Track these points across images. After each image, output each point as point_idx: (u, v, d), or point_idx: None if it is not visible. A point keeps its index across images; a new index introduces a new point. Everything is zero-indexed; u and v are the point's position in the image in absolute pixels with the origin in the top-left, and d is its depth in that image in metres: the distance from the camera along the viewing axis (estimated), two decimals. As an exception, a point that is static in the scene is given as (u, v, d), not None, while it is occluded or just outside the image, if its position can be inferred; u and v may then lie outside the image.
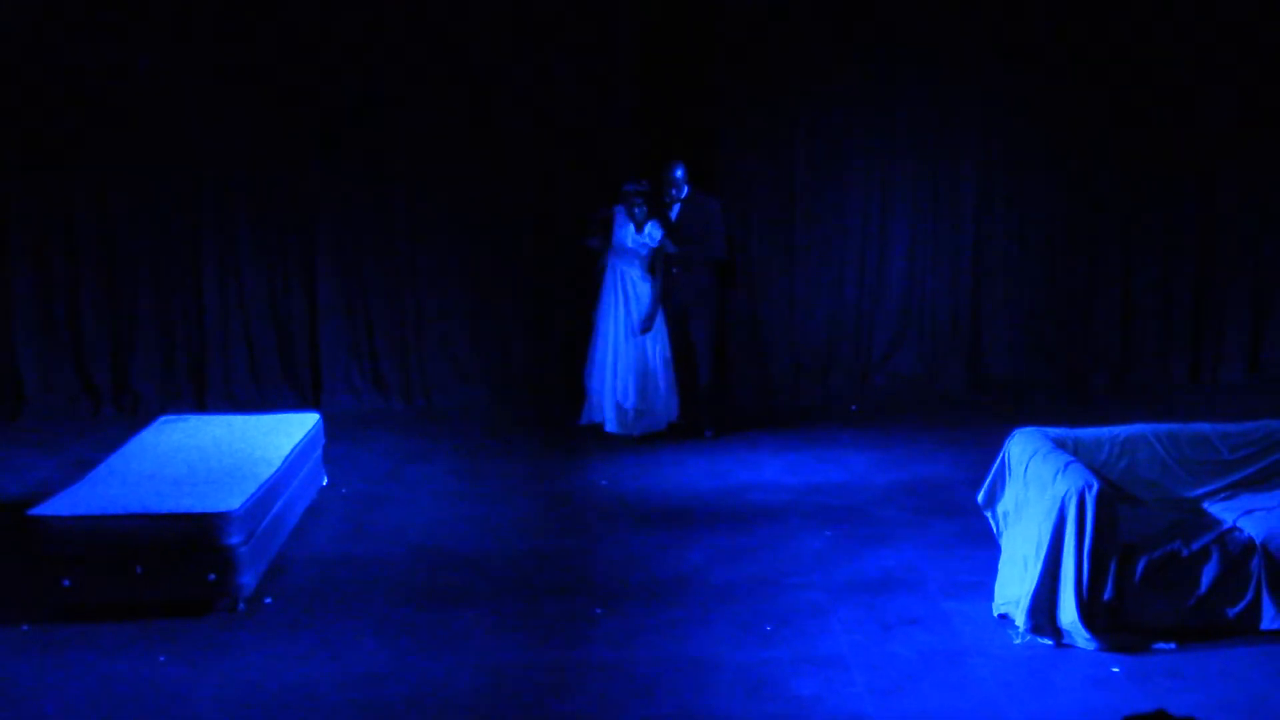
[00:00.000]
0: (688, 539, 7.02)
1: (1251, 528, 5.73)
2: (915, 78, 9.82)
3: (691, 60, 9.62)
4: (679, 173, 8.83)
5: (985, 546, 6.60)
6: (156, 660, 5.64)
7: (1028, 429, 6.31)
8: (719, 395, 9.20)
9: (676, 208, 8.87)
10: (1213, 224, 10.07)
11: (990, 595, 6.04)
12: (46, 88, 9.44)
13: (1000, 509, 6.24)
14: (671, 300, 8.92)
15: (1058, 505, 5.56)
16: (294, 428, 7.40)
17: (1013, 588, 5.86)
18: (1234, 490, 6.30)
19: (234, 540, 6.04)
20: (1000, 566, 6.08)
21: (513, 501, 7.73)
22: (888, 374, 10.06)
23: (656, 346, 8.90)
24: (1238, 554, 5.63)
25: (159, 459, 6.81)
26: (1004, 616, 5.88)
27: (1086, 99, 9.83)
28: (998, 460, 6.27)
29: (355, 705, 5.24)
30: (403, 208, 9.81)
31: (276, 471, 6.67)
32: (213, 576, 6.02)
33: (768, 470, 8.25)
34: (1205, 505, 6.18)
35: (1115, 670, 5.40)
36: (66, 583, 5.98)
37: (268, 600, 6.25)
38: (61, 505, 6.10)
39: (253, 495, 6.26)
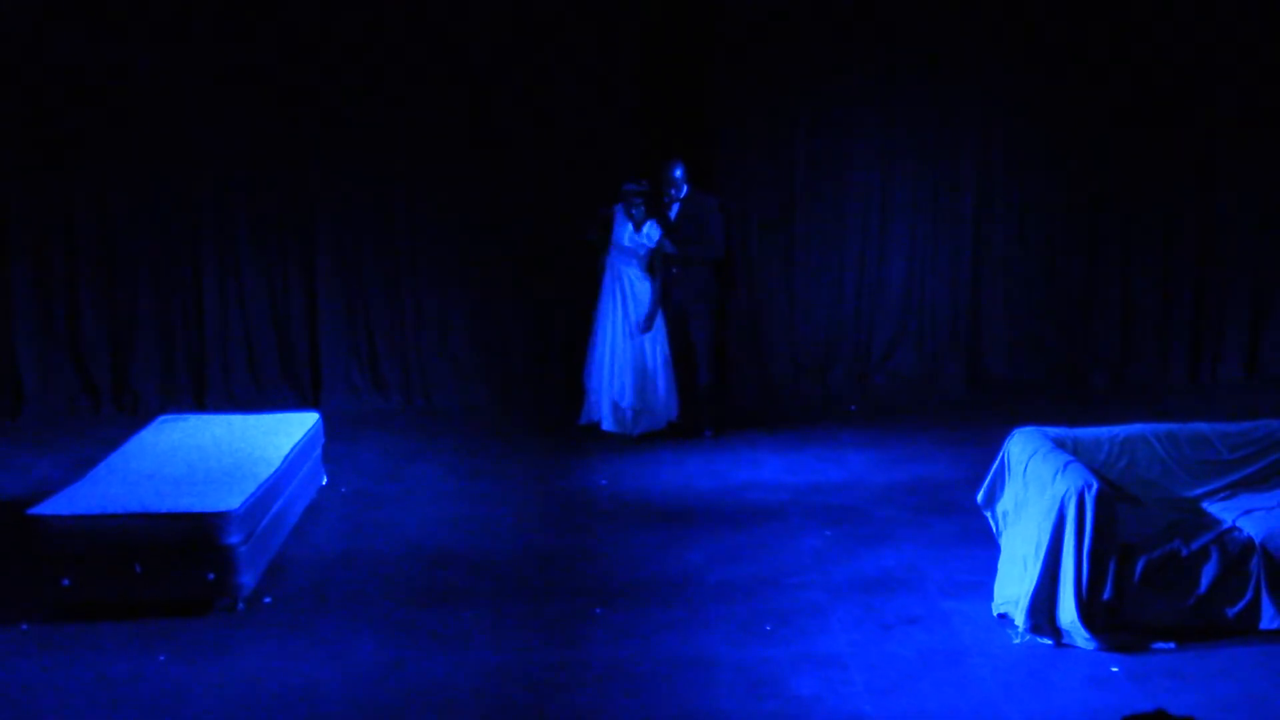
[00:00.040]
0: (687, 538, 7.02)
1: (1251, 527, 5.74)
2: (915, 78, 9.82)
3: (691, 60, 9.63)
4: (678, 172, 8.84)
5: (984, 546, 6.60)
6: (156, 659, 5.64)
7: (1027, 429, 6.32)
8: (718, 395, 9.20)
9: (675, 207, 8.87)
10: (1213, 224, 10.08)
11: (989, 595, 6.05)
12: (46, 88, 9.45)
13: (1000, 508, 6.24)
14: (671, 300, 8.92)
15: (1057, 505, 5.56)
16: (293, 427, 7.40)
17: (1012, 587, 5.86)
18: (1233, 490, 6.31)
19: (233, 540, 6.05)
20: (1000, 566, 6.08)
21: (512, 501, 7.73)
22: (887, 374, 10.07)
23: (655, 346, 8.91)
24: (1237, 554, 5.63)
25: (158, 458, 6.81)
26: (1003, 616, 5.88)
27: (1086, 99, 9.83)
28: (997, 460, 6.27)
29: (354, 705, 5.24)
30: (403, 208, 9.81)
31: (276, 471, 6.68)
32: (212, 576, 6.02)
33: (767, 470, 8.25)
34: (1204, 505, 6.18)
35: (1114, 670, 5.40)
36: (66, 582, 5.98)
37: (267, 600, 6.25)
38: (61, 504, 6.11)
39: (252, 495, 6.27)
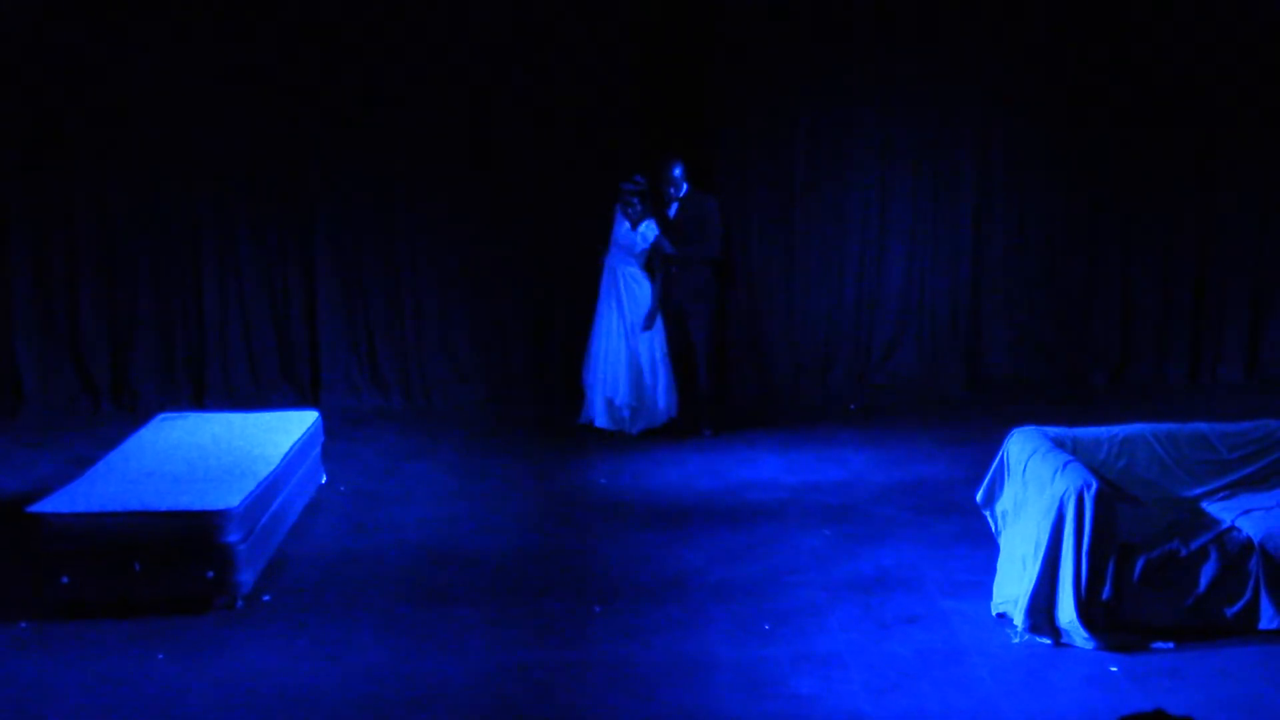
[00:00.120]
0: (686, 538, 7.02)
1: (1250, 527, 5.73)
2: (915, 78, 9.82)
3: (691, 60, 9.62)
4: (677, 171, 8.84)
5: (984, 545, 6.60)
6: (155, 657, 5.64)
7: (1026, 428, 6.31)
8: (718, 394, 9.20)
9: (674, 206, 8.88)
10: (1212, 224, 10.07)
11: (988, 594, 6.04)
12: (46, 88, 9.45)
13: (999, 508, 6.24)
14: (670, 299, 8.93)
15: (1056, 504, 5.56)
16: (293, 425, 7.41)
17: (1011, 587, 5.86)
18: (1232, 490, 6.30)
19: (233, 538, 6.05)
20: (999, 565, 6.08)
21: (512, 500, 7.73)
22: (887, 373, 10.06)
23: (651, 344, 8.90)
24: (1236, 554, 5.63)
25: (158, 456, 6.81)
26: (1002, 615, 5.88)
27: (1086, 99, 9.83)
28: (996, 459, 6.27)
29: (353, 703, 5.24)
30: (403, 208, 9.81)
31: (275, 469, 6.68)
32: (211, 574, 6.02)
33: (767, 469, 8.25)
34: (1204, 505, 6.18)
35: (1113, 669, 5.40)
36: (65, 580, 5.98)
37: (266, 598, 6.25)
38: (60, 502, 6.11)
39: (252, 493, 6.27)
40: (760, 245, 9.95)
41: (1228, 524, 5.78)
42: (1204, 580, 5.61)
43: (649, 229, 8.82)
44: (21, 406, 9.65)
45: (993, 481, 6.27)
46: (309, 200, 9.74)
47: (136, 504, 6.05)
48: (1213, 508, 6.10)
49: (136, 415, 9.19)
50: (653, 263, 8.94)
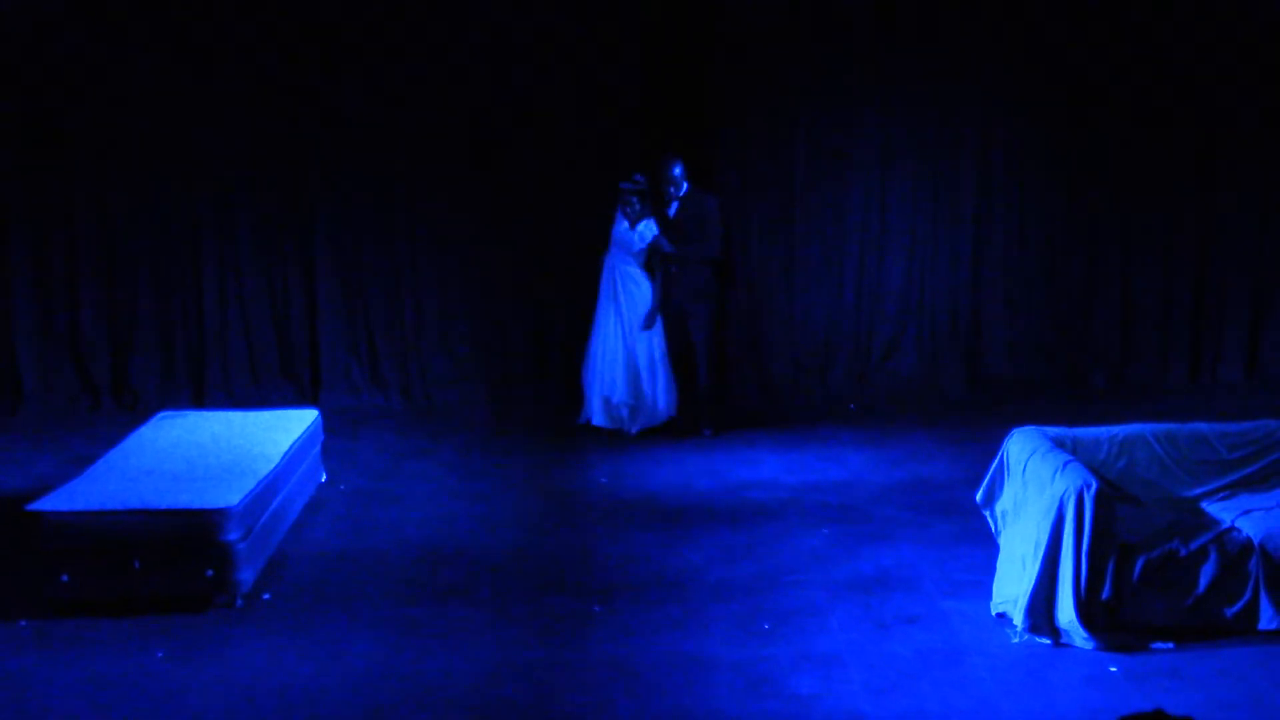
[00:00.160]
0: (686, 537, 7.02)
1: (1250, 528, 5.73)
2: (915, 78, 9.83)
3: (691, 60, 9.63)
4: (677, 170, 8.84)
5: (983, 545, 6.60)
6: (154, 656, 5.64)
7: (1026, 428, 6.31)
8: (718, 394, 9.20)
9: (674, 205, 8.88)
10: (1212, 224, 10.08)
11: (988, 594, 6.04)
12: (46, 88, 9.45)
13: (999, 508, 6.24)
14: (670, 299, 8.93)
15: (1056, 504, 5.56)
16: (293, 424, 7.41)
17: (1011, 587, 5.86)
18: (1232, 490, 6.30)
19: (232, 536, 6.05)
20: (998, 565, 6.07)
21: (512, 499, 7.73)
22: (887, 373, 10.07)
23: (648, 343, 8.90)
24: (1236, 554, 5.63)
25: (158, 455, 6.81)
26: (1002, 615, 5.88)
27: (1086, 99, 9.84)
28: (996, 459, 6.27)
29: (353, 702, 5.24)
30: (403, 208, 9.82)
31: (275, 468, 6.68)
32: (211, 572, 6.02)
33: (766, 469, 8.25)
34: (1203, 505, 6.18)
35: (1113, 670, 5.39)
36: (65, 578, 5.98)
37: (266, 596, 6.25)
38: (60, 500, 6.11)
39: (251, 491, 6.27)
40: (760, 245, 9.96)
41: (1227, 524, 5.78)
42: (1204, 580, 5.61)
43: (647, 228, 8.83)
44: (21, 405, 9.66)
45: (992, 481, 6.27)
46: (309, 200, 9.75)
47: (136, 502, 6.05)
48: (1212, 508, 6.10)
49: (136, 413, 9.20)
50: (652, 262, 8.94)
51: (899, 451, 8.54)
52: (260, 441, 7.02)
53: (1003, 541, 6.16)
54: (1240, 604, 5.62)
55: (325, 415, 8.14)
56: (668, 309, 8.94)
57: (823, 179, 9.93)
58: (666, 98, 9.59)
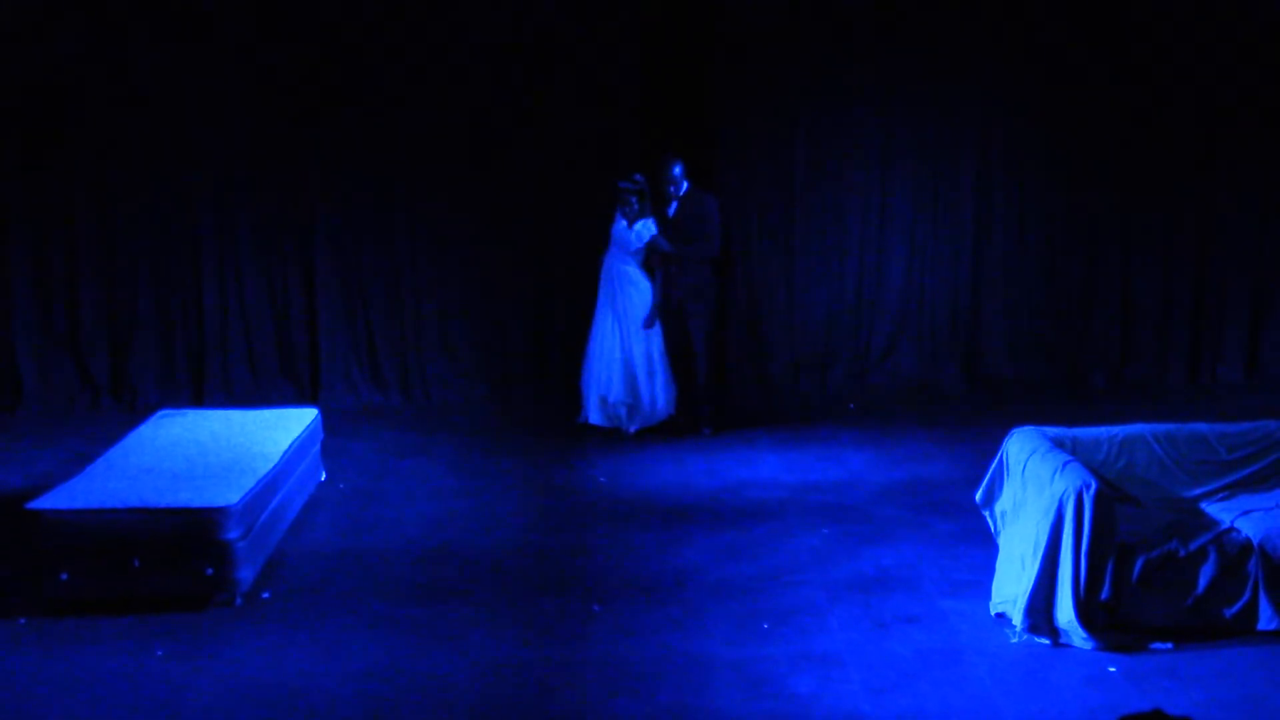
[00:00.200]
0: (685, 536, 7.02)
1: (1249, 528, 5.73)
2: (915, 78, 9.83)
3: (691, 60, 9.62)
4: (677, 170, 8.84)
5: (983, 545, 6.59)
6: (154, 654, 5.64)
7: (1026, 428, 6.31)
8: (717, 393, 9.20)
9: (674, 204, 8.88)
10: (1212, 224, 10.08)
11: (987, 594, 6.04)
12: (46, 88, 9.44)
13: (998, 508, 6.24)
14: (670, 298, 8.93)
15: (1055, 504, 5.56)
16: (292, 423, 7.41)
17: (1010, 586, 5.86)
18: (1232, 491, 6.30)
19: (232, 535, 6.05)
20: (998, 565, 6.08)
21: (511, 498, 7.73)
22: (886, 373, 10.07)
23: (644, 342, 8.89)
24: (1235, 555, 5.63)
25: (157, 453, 6.82)
26: (1001, 615, 5.88)
27: (1086, 99, 9.84)
28: (996, 459, 6.27)
29: (352, 700, 5.24)
30: (403, 208, 9.82)
31: (275, 466, 6.68)
32: (210, 571, 6.02)
33: (766, 468, 8.25)
34: (1203, 505, 6.18)
35: (1112, 670, 5.39)
36: (64, 576, 5.98)
37: (265, 595, 6.25)
38: (59, 499, 6.11)
39: (251, 490, 6.27)
40: (760, 245, 9.96)
41: (1227, 525, 5.78)
42: (1203, 581, 5.61)
43: (644, 227, 8.82)
44: (21, 403, 9.65)
45: (992, 481, 6.27)
46: (309, 200, 9.74)
47: (136, 500, 6.05)
48: (1212, 508, 6.10)
49: (136, 412, 9.21)
50: (650, 261, 8.94)
51: (899, 451, 8.54)
52: (260, 440, 7.02)
53: (1002, 541, 6.16)
54: (1239, 604, 5.63)
55: (325, 414, 8.14)
56: (667, 308, 8.94)
57: (823, 179, 9.93)
58: (666, 98, 9.59)
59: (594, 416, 9.00)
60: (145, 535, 5.98)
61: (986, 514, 6.34)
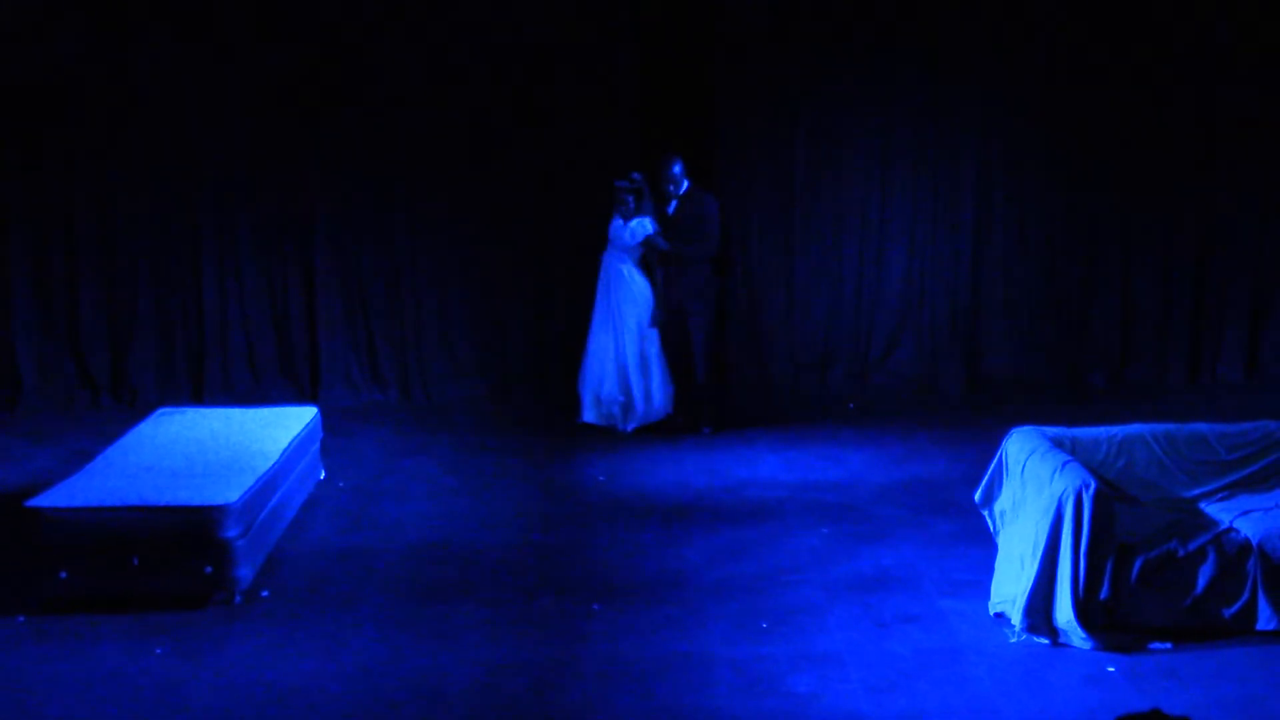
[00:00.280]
0: (685, 535, 7.02)
1: (1248, 529, 5.73)
2: (915, 78, 9.83)
3: (691, 60, 9.62)
4: (677, 169, 8.84)
5: (982, 545, 6.59)
6: (153, 652, 5.64)
7: (1025, 428, 6.31)
8: (717, 392, 9.19)
9: (674, 203, 8.88)
10: (1212, 224, 10.07)
11: (987, 594, 6.04)
12: (46, 88, 9.44)
13: (997, 508, 6.24)
14: (669, 297, 8.93)
15: (1055, 504, 5.56)
16: (292, 421, 7.41)
17: (1009, 586, 5.86)
18: (1231, 491, 6.30)
19: (231, 533, 6.05)
20: (997, 565, 6.07)
21: (510, 497, 7.73)
22: (886, 372, 10.07)
23: (640, 341, 8.88)
24: (1234, 555, 5.63)
25: (157, 451, 6.82)
26: (1000, 615, 5.87)
27: (1086, 99, 9.83)
28: (995, 459, 6.27)
29: (351, 699, 5.24)
30: (403, 208, 9.82)
31: (274, 465, 6.68)
32: (209, 569, 6.02)
33: (765, 468, 8.25)
34: (1202, 505, 6.17)
35: (1111, 669, 5.39)
36: (63, 574, 5.98)
37: (264, 593, 6.25)
38: (59, 497, 6.11)
39: (250, 488, 6.27)
40: (760, 245, 9.96)
41: (1226, 525, 5.78)
42: (1202, 581, 5.61)
43: (640, 225, 8.82)
44: (20, 400, 9.65)
45: (991, 481, 6.27)
46: (309, 200, 9.75)
47: (135, 499, 6.05)
48: (1211, 508, 6.10)
49: (135, 410, 9.20)
50: (649, 260, 8.94)
51: (899, 451, 8.54)
52: (259, 439, 7.02)
53: (1001, 541, 6.16)
54: (1238, 604, 5.62)
55: (324, 413, 8.14)
56: (667, 307, 8.94)
57: (823, 179, 9.93)
58: (666, 98, 9.58)
59: (588, 415, 9.00)
60: (144, 533, 5.98)
61: (986, 514, 6.34)
